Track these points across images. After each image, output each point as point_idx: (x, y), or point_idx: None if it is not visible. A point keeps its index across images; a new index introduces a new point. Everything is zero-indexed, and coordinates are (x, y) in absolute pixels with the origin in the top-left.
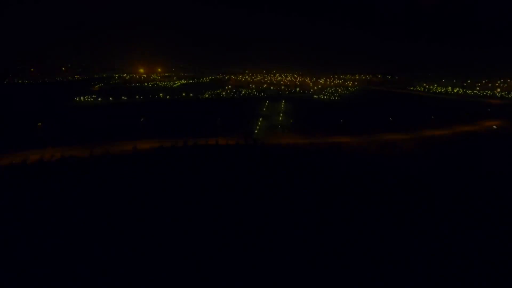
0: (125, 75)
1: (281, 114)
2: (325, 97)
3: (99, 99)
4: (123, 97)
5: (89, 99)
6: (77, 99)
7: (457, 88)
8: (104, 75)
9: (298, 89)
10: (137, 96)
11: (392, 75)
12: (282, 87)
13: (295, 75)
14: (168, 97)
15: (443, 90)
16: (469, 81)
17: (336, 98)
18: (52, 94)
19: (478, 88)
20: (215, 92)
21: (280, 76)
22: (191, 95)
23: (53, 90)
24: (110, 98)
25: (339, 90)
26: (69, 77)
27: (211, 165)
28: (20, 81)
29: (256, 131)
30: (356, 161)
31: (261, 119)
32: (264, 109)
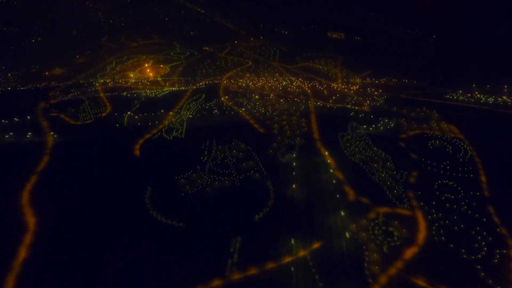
0: (109, 80)
1: (342, 212)
2: (378, 127)
3: (10, 134)
4: (27, 134)
5: None
6: None
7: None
8: (92, 80)
9: (319, 102)
10: (54, 136)
11: (409, 78)
12: (297, 99)
13: (300, 79)
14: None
15: (496, 100)
16: (506, 86)
17: (391, 125)
18: None
19: None
20: (207, 106)
21: (285, 80)
22: (170, 113)
23: None
24: (28, 134)
25: (367, 101)
26: (44, 83)
27: None
28: None
29: None
30: None
31: (293, 240)
32: (294, 185)
